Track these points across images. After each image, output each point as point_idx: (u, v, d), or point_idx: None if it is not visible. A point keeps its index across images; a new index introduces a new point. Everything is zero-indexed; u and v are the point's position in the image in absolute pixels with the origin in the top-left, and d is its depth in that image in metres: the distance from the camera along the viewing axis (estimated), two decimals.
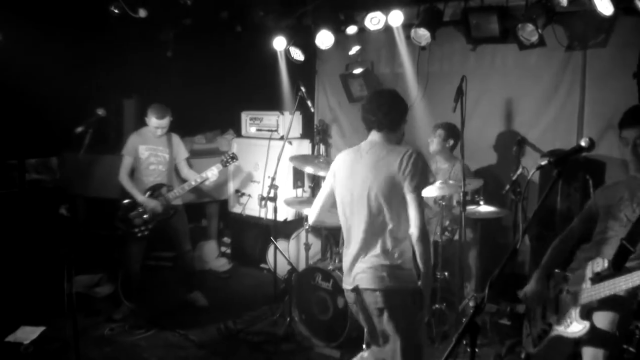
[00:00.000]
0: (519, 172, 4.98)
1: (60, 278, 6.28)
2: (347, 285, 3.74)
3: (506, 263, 2.62)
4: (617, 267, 3.27)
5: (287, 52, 7.02)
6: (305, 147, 7.42)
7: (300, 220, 6.95)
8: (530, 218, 2.81)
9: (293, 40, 6.91)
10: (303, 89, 5.67)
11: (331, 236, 6.71)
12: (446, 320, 5.20)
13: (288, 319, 5.54)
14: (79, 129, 4.98)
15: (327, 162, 5.90)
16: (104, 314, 6.08)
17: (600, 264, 3.34)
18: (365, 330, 3.84)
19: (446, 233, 5.45)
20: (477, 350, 2.29)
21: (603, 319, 3.31)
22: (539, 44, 5.61)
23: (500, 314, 5.88)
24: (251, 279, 7.26)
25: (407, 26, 6.25)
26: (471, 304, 4.78)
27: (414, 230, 3.45)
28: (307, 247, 5.94)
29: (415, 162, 3.47)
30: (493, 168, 6.30)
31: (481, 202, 5.26)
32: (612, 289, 3.17)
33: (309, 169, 5.80)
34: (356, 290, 3.62)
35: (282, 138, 6.96)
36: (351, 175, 3.66)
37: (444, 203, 5.05)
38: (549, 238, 5.40)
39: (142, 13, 5.87)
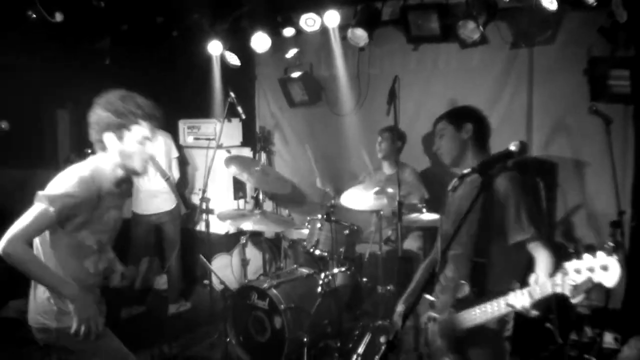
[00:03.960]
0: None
1: None
2: None
3: (424, 288, 2.33)
4: (480, 291, 2.84)
5: (223, 57, 6.69)
6: (245, 155, 7.06)
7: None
8: (453, 232, 2.49)
9: (229, 45, 6.58)
10: (233, 94, 5.32)
11: (275, 248, 6.39)
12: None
13: (226, 342, 5.17)
14: None
15: (265, 171, 5.60)
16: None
17: (464, 289, 2.90)
18: None
19: (389, 243, 5.16)
20: None
21: (477, 356, 2.90)
22: (481, 42, 5.44)
23: None
24: (195, 296, 6.86)
25: (345, 27, 5.97)
26: (382, 339, 4.46)
27: None
28: (245, 262, 5.59)
29: None
30: (439, 173, 6.03)
31: (424, 210, 4.97)
32: (473, 319, 2.76)
33: (242, 176, 5.51)
34: None
35: (220, 147, 6.63)
36: None
37: (382, 212, 4.74)
38: None
39: (59, 17, 5.50)
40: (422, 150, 6.14)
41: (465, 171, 2.58)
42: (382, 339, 4.49)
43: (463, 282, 2.88)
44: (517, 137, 5.44)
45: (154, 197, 6.24)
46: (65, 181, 2.92)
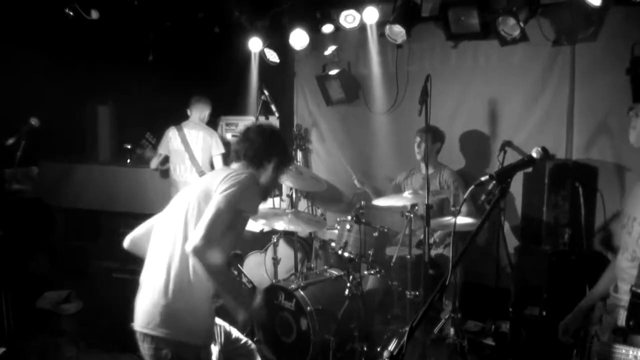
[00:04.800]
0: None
1: (27, 294, 6.05)
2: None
3: (431, 303, 2.21)
4: (636, 325, 2.55)
5: (262, 54, 6.65)
6: None
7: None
8: (466, 244, 2.36)
9: (268, 42, 6.53)
10: (267, 92, 5.27)
11: (308, 247, 6.32)
12: (419, 344, 4.77)
13: (254, 340, 5.12)
14: (10, 141, 4.61)
15: (299, 170, 5.54)
16: (68, 333, 5.71)
17: (621, 317, 2.63)
18: None
19: (421, 247, 5.02)
20: None
21: None
22: (521, 39, 5.24)
23: (485, 333, 5.47)
24: None
25: (383, 23, 5.84)
26: (385, 354, 4.32)
27: (188, 243, 2.80)
28: (276, 262, 5.54)
29: (238, 176, 2.99)
30: (477, 174, 5.85)
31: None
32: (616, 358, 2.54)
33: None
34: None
35: None
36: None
37: (411, 215, 4.60)
38: (534, 252, 5.03)
39: (95, 15, 5.57)
40: (459, 149, 5.97)
41: (483, 178, 2.44)
42: (386, 354, 4.36)
43: (623, 309, 2.65)
44: (558, 137, 5.37)
45: None
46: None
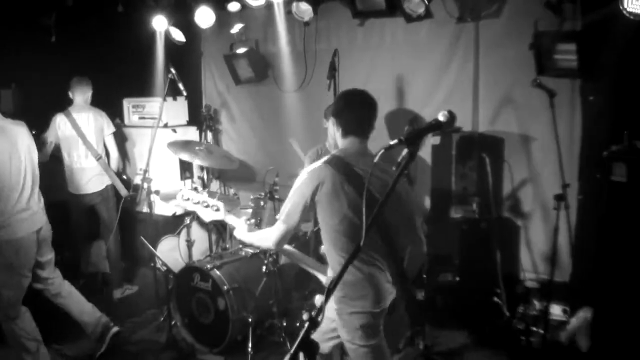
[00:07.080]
0: (403, 153, 4.57)
1: None
2: None
3: (347, 266, 2.24)
4: None
5: (168, 34, 6.49)
6: (191, 135, 6.86)
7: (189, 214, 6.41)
8: (376, 210, 2.39)
9: (173, 20, 6.39)
10: (173, 70, 5.13)
11: (222, 228, 6.25)
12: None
13: (172, 324, 5.04)
14: None
15: (209, 149, 5.46)
16: None
17: None
18: None
19: None
20: None
21: None
22: (426, 16, 5.36)
23: None
24: (140, 279, 6.66)
25: (291, 1, 5.86)
26: (305, 317, 4.39)
27: None
28: (190, 244, 5.46)
29: None
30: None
31: None
32: None
33: (184, 156, 5.36)
34: None
35: (165, 126, 6.47)
36: None
37: None
38: (445, 221, 5.18)
39: None
40: None
41: (392, 142, 2.45)
42: (305, 316, 4.40)
43: None
44: (464, 110, 5.49)
45: (84, 177, 5.91)
46: None
